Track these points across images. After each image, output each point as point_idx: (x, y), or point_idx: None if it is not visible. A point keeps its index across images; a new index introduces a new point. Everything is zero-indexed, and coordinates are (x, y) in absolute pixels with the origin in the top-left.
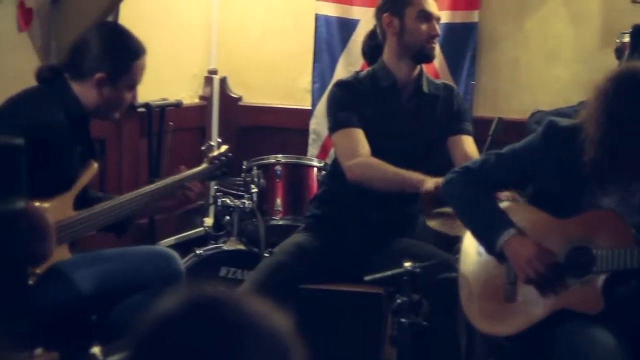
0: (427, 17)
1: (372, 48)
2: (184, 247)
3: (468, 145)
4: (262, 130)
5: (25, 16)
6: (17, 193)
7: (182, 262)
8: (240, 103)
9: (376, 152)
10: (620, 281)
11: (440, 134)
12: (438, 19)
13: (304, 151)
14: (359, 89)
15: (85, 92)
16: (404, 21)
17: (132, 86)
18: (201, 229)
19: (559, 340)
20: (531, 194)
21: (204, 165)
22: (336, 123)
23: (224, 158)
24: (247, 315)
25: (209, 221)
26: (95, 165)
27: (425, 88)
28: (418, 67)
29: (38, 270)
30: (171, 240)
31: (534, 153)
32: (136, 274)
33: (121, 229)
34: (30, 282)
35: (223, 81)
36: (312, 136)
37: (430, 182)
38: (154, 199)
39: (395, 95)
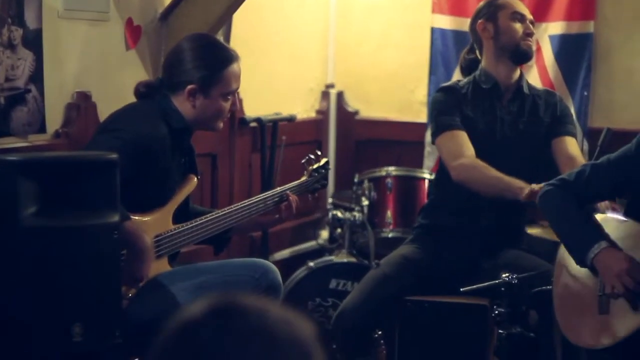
0: (521, 18)
1: (470, 62)
2: (298, 260)
3: (571, 146)
4: (378, 144)
5: (134, 34)
6: (110, 207)
7: (279, 274)
8: (357, 117)
9: (480, 153)
10: None
11: (544, 136)
12: (532, 21)
13: (420, 164)
14: (461, 92)
15: (181, 104)
16: (497, 24)
17: (228, 94)
18: (314, 242)
19: None
20: (626, 206)
21: (302, 178)
22: (439, 126)
23: (323, 171)
24: (269, 322)
25: (324, 234)
26: (195, 179)
27: (526, 90)
28: (517, 70)
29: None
30: (285, 253)
31: (628, 162)
32: (233, 286)
33: (221, 243)
34: (130, 294)
35: (340, 95)
36: (427, 149)
37: (528, 189)
38: (252, 213)
39: (497, 96)
